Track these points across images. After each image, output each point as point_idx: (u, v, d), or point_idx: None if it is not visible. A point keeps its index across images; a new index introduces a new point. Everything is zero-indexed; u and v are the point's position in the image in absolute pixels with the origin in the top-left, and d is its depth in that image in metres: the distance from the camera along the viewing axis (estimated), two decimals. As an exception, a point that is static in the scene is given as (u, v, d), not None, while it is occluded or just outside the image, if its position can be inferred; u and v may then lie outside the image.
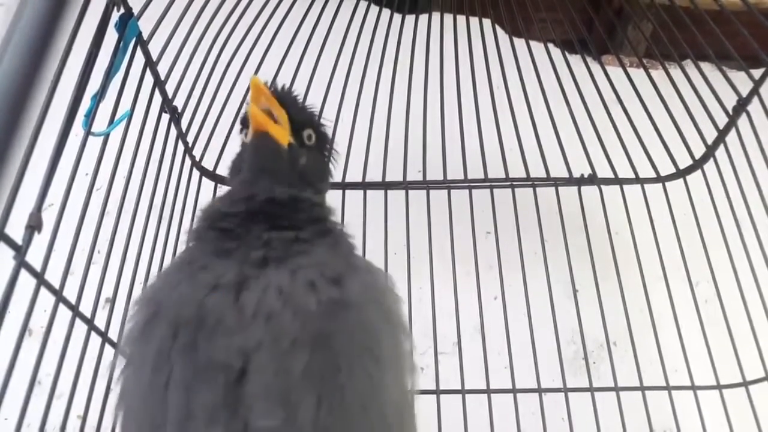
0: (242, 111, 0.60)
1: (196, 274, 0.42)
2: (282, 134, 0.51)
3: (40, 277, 0.45)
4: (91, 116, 0.51)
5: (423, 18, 0.90)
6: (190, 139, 0.76)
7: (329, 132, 0.58)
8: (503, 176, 0.84)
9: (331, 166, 0.59)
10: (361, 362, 0.40)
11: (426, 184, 0.84)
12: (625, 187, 0.83)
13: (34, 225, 0.42)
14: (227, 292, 0.41)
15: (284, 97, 0.52)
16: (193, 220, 0.74)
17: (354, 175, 0.84)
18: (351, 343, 0.40)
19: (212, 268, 0.42)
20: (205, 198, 0.78)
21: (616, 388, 0.69)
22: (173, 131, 0.72)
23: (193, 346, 0.39)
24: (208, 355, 0.39)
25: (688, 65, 0.77)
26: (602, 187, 0.83)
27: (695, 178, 0.81)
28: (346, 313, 0.41)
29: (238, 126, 0.59)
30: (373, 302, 0.43)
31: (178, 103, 0.72)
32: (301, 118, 0.54)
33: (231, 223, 0.46)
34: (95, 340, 0.54)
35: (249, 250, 0.43)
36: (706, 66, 0.76)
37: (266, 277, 0.41)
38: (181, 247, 0.70)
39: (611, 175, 0.84)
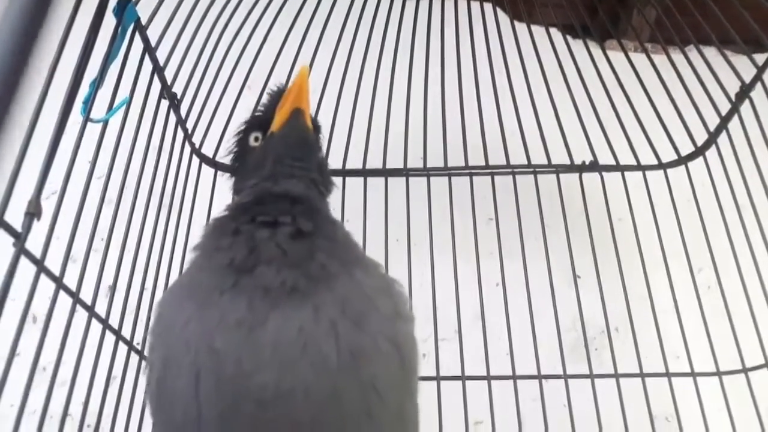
0: (252, 111, 0.60)
1: (206, 309, 0.41)
2: (309, 119, 0.51)
3: (40, 264, 0.44)
4: (89, 103, 0.50)
5: (424, 3, 0.89)
6: (189, 125, 0.76)
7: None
8: (504, 163, 0.84)
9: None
10: (368, 414, 0.42)
11: (427, 171, 0.84)
12: (626, 173, 0.83)
13: (33, 212, 0.42)
14: (242, 329, 0.40)
15: None
16: (193, 207, 0.74)
17: (354, 162, 0.84)
18: (362, 396, 0.41)
19: (223, 299, 0.41)
20: (205, 184, 0.78)
21: (617, 375, 0.70)
22: (172, 118, 0.71)
23: (218, 391, 0.39)
24: (233, 399, 0.39)
25: (691, 51, 0.76)
26: (603, 173, 0.83)
27: (697, 164, 0.80)
28: (363, 363, 0.41)
29: (239, 119, 0.58)
30: (389, 343, 0.43)
31: (177, 89, 0.71)
32: (315, 122, 0.54)
33: (244, 237, 0.44)
34: (96, 327, 0.54)
35: (267, 276, 0.42)
36: (708, 51, 0.75)
37: (286, 312, 0.41)
38: (182, 235, 0.71)
39: (613, 162, 0.84)
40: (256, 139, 0.54)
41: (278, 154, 0.51)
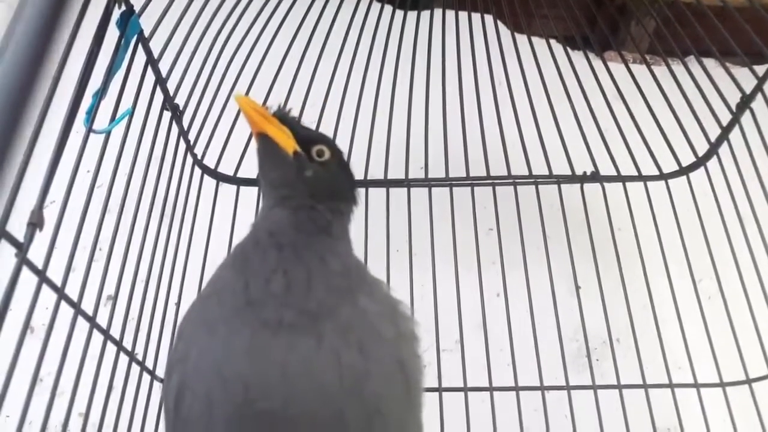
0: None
1: (215, 339, 0.43)
2: (286, 141, 0.50)
3: (41, 275, 0.45)
4: (92, 114, 0.51)
5: (425, 14, 0.90)
6: (191, 137, 0.76)
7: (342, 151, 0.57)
8: (505, 173, 0.84)
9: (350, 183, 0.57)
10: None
11: (428, 182, 0.84)
12: (627, 184, 0.83)
13: (35, 222, 0.42)
14: (247, 359, 0.41)
15: (285, 116, 0.52)
16: (195, 217, 0.74)
17: (356, 173, 0.84)
18: (367, 418, 0.42)
19: (229, 330, 0.43)
20: (207, 195, 0.78)
21: (619, 386, 0.69)
22: (174, 129, 0.72)
23: (229, 416, 0.41)
24: (243, 424, 0.41)
25: (691, 62, 0.76)
26: (605, 184, 0.83)
27: (698, 175, 0.80)
28: (366, 387, 0.42)
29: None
30: (393, 367, 0.44)
31: (180, 100, 0.72)
32: (308, 134, 0.53)
33: (255, 261, 0.45)
34: (97, 337, 0.54)
35: (266, 313, 0.43)
36: (709, 62, 0.75)
37: (289, 342, 0.42)
38: (183, 245, 0.71)
39: (614, 173, 0.84)
40: None
41: (261, 180, 0.52)
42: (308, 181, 0.50)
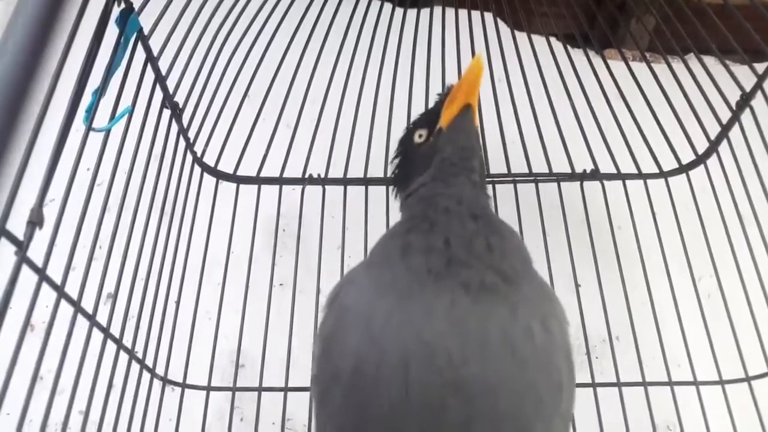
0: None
1: (409, 302, 0.42)
2: (476, 117, 0.51)
3: (41, 273, 0.44)
4: (92, 112, 0.50)
5: (424, 12, 0.90)
6: (191, 134, 0.76)
7: None
8: (505, 171, 0.84)
9: None
10: (557, 412, 0.43)
11: (428, 180, 0.84)
12: (627, 182, 0.83)
13: (35, 221, 0.42)
14: (448, 322, 0.40)
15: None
16: (194, 215, 0.74)
17: (356, 172, 0.84)
18: (555, 395, 0.43)
19: (426, 293, 0.42)
20: (207, 193, 0.78)
21: (619, 384, 0.69)
22: (174, 127, 0.71)
23: (428, 381, 0.40)
24: (441, 390, 0.40)
25: (691, 59, 0.76)
26: (605, 182, 0.83)
27: (698, 173, 0.80)
28: (553, 364, 0.43)
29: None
30: (567, 347, 0.46)
31: (180, 98, 0.72)
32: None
33: (437, 237, 0.44)
34: (97, 335, 0.54)
35: (468, 274, 0.42)
36: (709, 60, 0.75)
37: (486, 309, 0.41)
38: (183, 243, 0.71)
39: (614, 170, 0.84)
40: (420, 136, 0.53)
41: (446, 151, 0.50)
42: (480, 158, 0.51)
